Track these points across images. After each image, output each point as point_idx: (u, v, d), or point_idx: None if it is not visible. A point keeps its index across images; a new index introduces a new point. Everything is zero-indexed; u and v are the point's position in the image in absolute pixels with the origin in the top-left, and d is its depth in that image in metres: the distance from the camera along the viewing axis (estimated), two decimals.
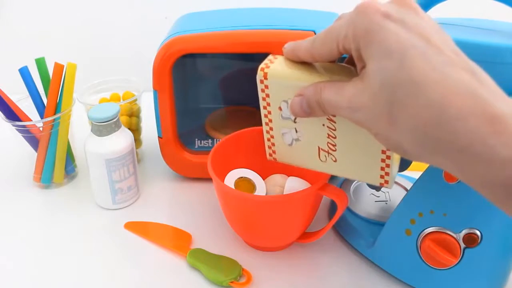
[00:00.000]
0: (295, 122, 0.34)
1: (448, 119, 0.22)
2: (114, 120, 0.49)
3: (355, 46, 0.26)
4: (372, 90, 0.25)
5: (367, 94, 0.25)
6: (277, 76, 0.32)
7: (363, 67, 0.26)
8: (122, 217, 0.52)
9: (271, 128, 0.37)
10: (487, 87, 0.23)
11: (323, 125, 0.33)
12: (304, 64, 0.32)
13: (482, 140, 0.22)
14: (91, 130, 0.50)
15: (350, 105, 0.26)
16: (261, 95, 0.35)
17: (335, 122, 0.32)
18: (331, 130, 0.33)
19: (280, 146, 0.37)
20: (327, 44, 0.28)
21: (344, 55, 0.30)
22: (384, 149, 0.31)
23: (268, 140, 0.38)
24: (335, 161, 0.35)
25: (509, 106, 0.23)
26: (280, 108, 0.34)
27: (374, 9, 0.25)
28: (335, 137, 0.33)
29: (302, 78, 0.31)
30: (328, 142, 0.34)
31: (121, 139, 0.50)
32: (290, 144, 0.36)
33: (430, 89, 0.23)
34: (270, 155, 0.39)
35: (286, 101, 0.33)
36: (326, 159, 0.35)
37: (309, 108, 0.30)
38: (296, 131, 0.35)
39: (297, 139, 0.36)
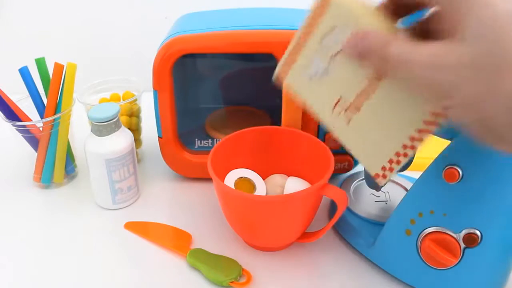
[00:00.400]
0: (335, 56, 0.29)
1: None
2: (114, 120, 0.49)
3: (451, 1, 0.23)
4: (473, 49, 0.22)
5: (464, 53, 0.22)
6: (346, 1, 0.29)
7: (453, 27, 0.23)
8: (122, 217, 0.52)
9: (299, 48, 0.31)
10: None
11: (365, 79, 0.28)
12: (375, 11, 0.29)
13: None
14: (91, 130, 0.50)
15: (433, 62, 0.23)
16: (313, 9, 0.31)
17: (380, 84, 0.27)
18: (370, 89, 0.28)
19: (298, 73, 0.32)
20: None
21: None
22: (407, 143, 0.28)
23: (289, 61, 0.32)
24: (348, 123, 0.30)
25: None
26: (331, 29, 0.29)
27: None
28: (367, 99, 0.28)
29: (371, 18, 0.27)
30: (355, 99, 0.29)
31: (121, 139, 0.50)
32: (311, 77, 0.31)
33: None
34: (280, 74, 0.33)
35: (342, 28, 0.28)
36: (339, 114, 0.30)
37: (367, 54, 0.26)
38: (327, 67, 0.30)
39: (321, 75, 0.30)
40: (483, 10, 0.22)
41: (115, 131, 0.50)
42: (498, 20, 0.21)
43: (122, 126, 0.51)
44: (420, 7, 0.28)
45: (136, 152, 0.62)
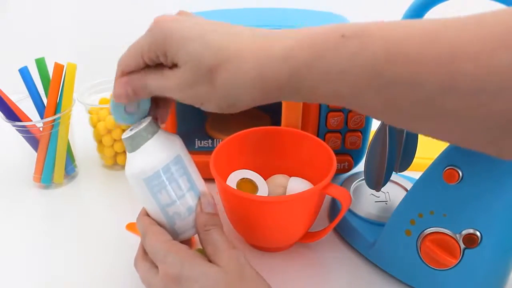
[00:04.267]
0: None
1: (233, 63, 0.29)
2: (144, 125, 0.36)
3: (161, 52, 0.31)
4: (191, 69, 0.30)
5: (187, 74, 0.30)
6: None
7: (175, 64, 0.31)
8: (123, 218, 0.52)
9: None
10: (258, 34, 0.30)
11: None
12: None
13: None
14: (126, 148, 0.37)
15: (178, 86, 0.31)
16: None
17: None
18: None
19: None
20: (132, 58, 0.35)
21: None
22: None
23: None
24: None
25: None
26: None
27: (163, 18, 0.33)
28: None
29: None
30: None
31: (158, 147, 0.36)
32: None
33: (231, 53, 0.29)
34: None
35: None
36: None
37: (133, 91, 0.34)
38: None
39: None
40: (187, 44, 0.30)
41: (148, 139, 0.36)
42: (188, 41, 0.30)
43: (160, 130, 0.37)
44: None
45: None
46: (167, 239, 0.35)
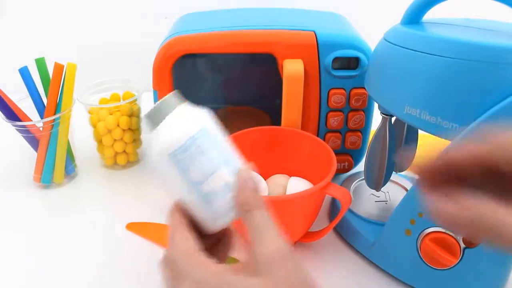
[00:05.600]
0: None
1: None
2: (165, 98, 0.31)
3: None
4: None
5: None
6: None
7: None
8: (123, 218, 0.52)
9: None
10: None
11: None
12: None
13: None
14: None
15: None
16: None
17: None
18: None
19: None
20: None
21: None
22: None
23: None
24: None
25: None
26: None
27: None
28: None
29: None
30: None
31: (182, 119, 0.31)
32: None
33: None
34: None
35: None
36: None
37: None
38: None
39: None
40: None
41: (170, 112, 0.31)
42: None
43: (184, 103, 0.33)
44: None
45: (136, 152, 0.62)
46: (191, 250, 0.29)
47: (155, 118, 0.31)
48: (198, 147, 0.30)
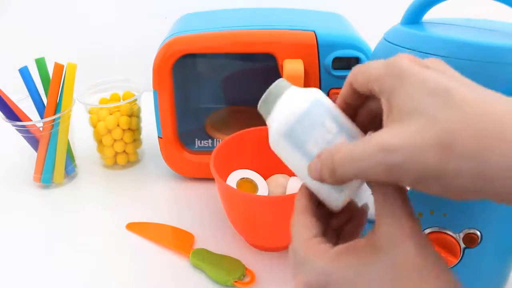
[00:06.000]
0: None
1: (497, 121, 0.21)
2: (273, 84, 0.32)
3: (389, 87, 0.25)
4: (417, 125, 0.23)
5: (410, 130, 0.23)
6: None
7: (389, 110, 0.25)
8: (123, 218, 0.52)
9: None
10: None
11: None
12: None
13: None
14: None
15: (384, 148, 0.23)
16: None
17: None
18: None
19: None
20: (364, 80, 0.27)
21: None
22: None
23: None
24: None
25: None
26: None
27: (410, 57, 0.25)
28: None
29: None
30: None
31: (293, 99, 0.31)
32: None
33: (478, 108, 0.22)
34: None
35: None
36: None
37: (323, 179, 0.27)
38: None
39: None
40: (412, 86, 0.23)
41: (280, 95, 0.31)
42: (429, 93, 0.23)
43: (292, 86, 0.32)
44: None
45: (136, 152, 0.62)
46: (308, 237, 0.28)
47: (267, 105, 0.32)
48: (313, 120, 0.30)
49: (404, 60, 0.25)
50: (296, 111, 0.30)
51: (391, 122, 0.24)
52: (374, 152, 0.23)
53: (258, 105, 0.32)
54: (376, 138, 0.24)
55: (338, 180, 0.26)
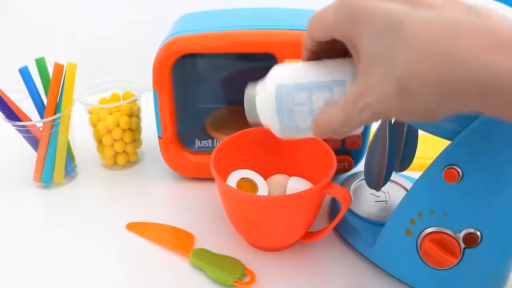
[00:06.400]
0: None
1: (460, 62, 0.21)
2: (246, 97, 0.34)
3: (346, 36, 0.26)
4: (376, 77, 0.24)
5: (374, 84, 0.25)
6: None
7: (359, 57, 0.26)
8: (123, 218, 0.52)
9: None
10: (488, 18, 0.22)
11: None
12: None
13: (497, 68, 0.21)
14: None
15: (363, 107, 0.26)
16: None
17: None
18: None
19: None
20: (319, 26, 0.28)
21: None
22: None
23: None
24: None
25: None
26: None
27: None
28: None
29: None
30: None
31: (263, 97, 0.33)
32: None
33: (434, 45, 0.22)
34: None
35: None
36: None
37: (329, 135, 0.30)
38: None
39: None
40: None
41: (255, 102, 0.34)
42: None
43: (257, 88, 0.34)
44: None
45: (136, 152, 0.62)
46: None
47: (251, 110, 0.34)
48: (287, 107, 0.32)
49: (351, 3, 0.25)
50: (272, 111, 0.32)
51: (361, 74, 0.26)
52: (357, 114, 0.26)
53: (246, 115, 0.34)
54: (354, 96, 0.26)
55: (338, 136, 0.29)
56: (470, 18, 0.22)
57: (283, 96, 0.31)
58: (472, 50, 0.21)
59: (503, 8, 0.23)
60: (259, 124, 0.34)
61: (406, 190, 0.49)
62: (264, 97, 0.32)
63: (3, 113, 0.53)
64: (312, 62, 0.32)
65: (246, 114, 0.34)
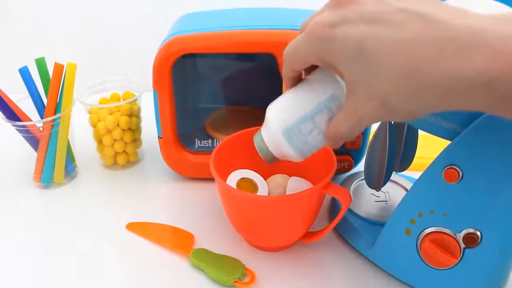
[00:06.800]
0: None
1: (425, 73, 0.24)
2: (258, 147, 0.38)
3: (327, 65, 0.29)
4: (361, 96, 0.28)
5: (357, 103, 0.28)
6: None
7: (343, 76, 0.28)
8: (123, 218, 0.52)
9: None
10: (439, 24, 0.24)
11: None
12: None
13: (456, 71, 0.23)
14: None
15: (357, 122, 0.29)
16: None
17: None
18: None
19: None
20: (298, 62, 0.31)
21: None
22: None
23: None
24: None
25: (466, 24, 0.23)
26: None
27: (319, 28, 0.28)
28: None
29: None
30: None
31: (273, 140, 0.35)
32: None
33: (399, 63, 0.25)
34: None
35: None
36: None
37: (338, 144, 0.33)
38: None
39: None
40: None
41: (266, 145, 0.37)
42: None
43: (261, 134, 0.37)
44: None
45: (136, 152, 0.62)
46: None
47: (265, 154, 0.37)
48: (299, 140, 0.34)
49: (318, 28, 0.28)
50: (289, 150, 0.35)
51: (348, 92, 0.29)
52: (357, 122, 0.29)
53: (265, 161, 0.38)
54: (349, 110, 0.29)
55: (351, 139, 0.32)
56: (427, 30, 0.24)
57: (292, 136, 0.34)
58: (433, 60, 0.24)
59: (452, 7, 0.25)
60: (277, 161, 0.37)
61: (406, 190, 0.49)
62: (276, 144, 0.35)
63: (3, 113, 0.53)
64: (299, 88, 0.34)
65: (264, 160, 0.37)
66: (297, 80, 0.34)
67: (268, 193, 0.48)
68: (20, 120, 0.54)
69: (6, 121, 0.53)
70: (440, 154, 0.35)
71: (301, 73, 0.34)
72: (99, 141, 0.60)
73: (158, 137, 0.56)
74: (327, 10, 0.28)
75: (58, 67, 0.53)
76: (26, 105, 0.55)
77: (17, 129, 0.54)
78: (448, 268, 0.38)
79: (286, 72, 0.33)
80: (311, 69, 0.34)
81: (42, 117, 0.55)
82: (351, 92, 0.28)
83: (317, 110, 0.33)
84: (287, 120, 0.33)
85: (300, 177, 0.49)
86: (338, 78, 0.32)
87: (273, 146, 0.35)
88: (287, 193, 0.47)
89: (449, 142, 0.35)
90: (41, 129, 0.54)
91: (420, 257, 0.39)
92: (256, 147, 0.37)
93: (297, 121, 0.33)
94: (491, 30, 0.22)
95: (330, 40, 0.27)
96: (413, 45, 0.24)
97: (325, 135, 0.33)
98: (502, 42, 0.22)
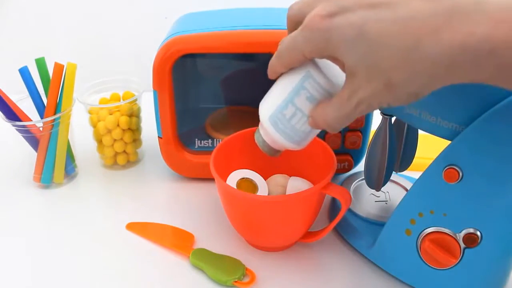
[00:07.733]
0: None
1: (423, 49, 0.25)
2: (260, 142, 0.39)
3: (326, 55, 0.29)
4: (363, 78, 0.27)
5: (362, 83, 0.28)
6: None
7: (343, 64, 0.28)
8: (123, 218, 0.52)
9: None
10: (441, 3, 0.24)
11: None
12: None
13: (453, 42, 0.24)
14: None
15: (356, 105, 0.29)
16: None
17: None
18: None
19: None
20: (294, 57, 0.31)
21: None
22: None
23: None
24: None
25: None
26: None
27: (317, 20, 0.28)
28: None
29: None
30: None
31: (269, 134, 0.37)
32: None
33: (399, 42, 0.25)
34: None
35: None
36: None
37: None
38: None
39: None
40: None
41: (263, 138, 0.38)
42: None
43: (259, 132, 0.39)
44: None
45: (136, 152, 0.62)
46: None
47: (264, 145, 0.39)
48: (291, 122, 0.35)
49: (316, 20, 0.28)
50: (279, 137, 0.36)
51: (348, 77, 0.28)
52: (353, 109, 0.29)
53: (267, 154, 0.39)
54: (347, 95, 0.29)
55: (334, 131, 0.32)
56: (427, 5, 0.25)
57: (278, 122, 0.35)
58: (435, 32, 0.24)
59: None
60: (279, 153, 0.39)
61: (406, 190, 0.49)
62: (267, 133, 0.36)
63: (3, 113, 0.53)
64: (281, 77, 0.35)
65: (265, 152, 0.39)
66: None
67: (268, 193, 0.48)
68: (20, 120, 0.54)
69: (6, 121, 0.53)
70: (440, 154, 0.35)
71: None
72: (99, 141, 0.60)
73: (158, 137, 0.56)
74: (322, 2, 0.28)
75: (58, 67, 0.53)
76: (26, 105, 0.55)
77: (17, 129, 0.54)
78: (448, 268, 0.38)
79: (278, 68, 0.34)
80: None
81: (42, 117, 0.55)
82: (350, 75, 0.28)
83: (295, 92, 0.33)
84: (271, 107, 0.35)
85: (300, 177, 0.49)
86: (316, 61, 0.33)
87: (266, 137, 0.37)
88: (287, 193, 0.47)
89: (449, 142, 0.35)
90: (41, 129, 0.54)
91: (420, 257, 0.39)
92: (255, 141, 0.39)
93: (279, 106, 0.34)
94: (491, 1, 0.23)
95: (329, 29, 0.27)
96: (415, 21, 0.25)
97: (309, 115, 0.33)
98: (502, 13, 0.23)
